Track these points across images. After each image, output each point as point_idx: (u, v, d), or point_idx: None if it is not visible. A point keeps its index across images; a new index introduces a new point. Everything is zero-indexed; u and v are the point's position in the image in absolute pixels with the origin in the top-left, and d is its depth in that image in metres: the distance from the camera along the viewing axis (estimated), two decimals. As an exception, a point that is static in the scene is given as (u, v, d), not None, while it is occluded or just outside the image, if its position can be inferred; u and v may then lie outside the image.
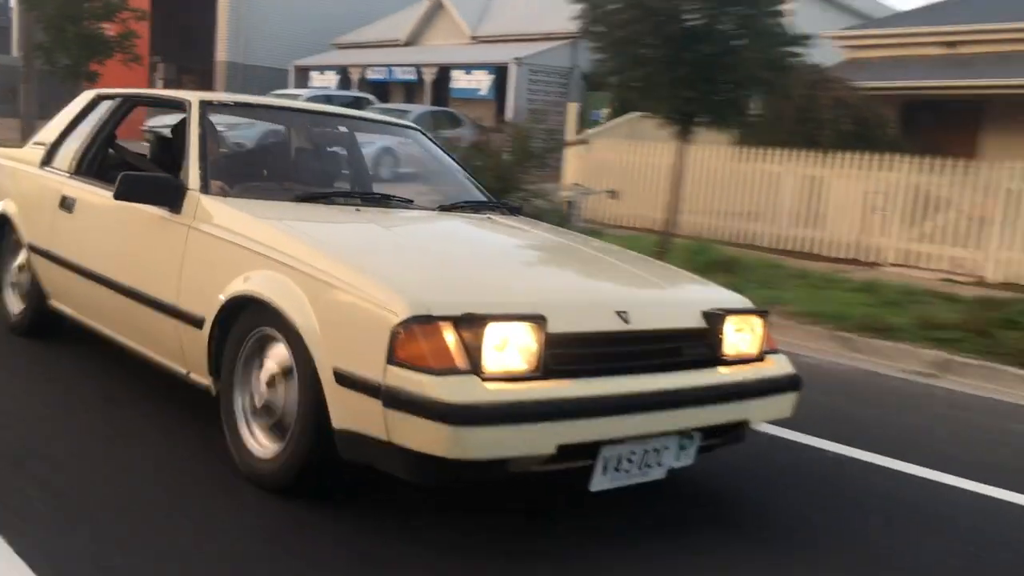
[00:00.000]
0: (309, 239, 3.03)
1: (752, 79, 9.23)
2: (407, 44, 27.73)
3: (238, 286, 3.00)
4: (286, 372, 2.88)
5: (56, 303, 4.34)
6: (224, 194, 3.45)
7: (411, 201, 3.82)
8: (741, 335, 3.13)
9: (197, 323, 3.17)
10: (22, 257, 4.55)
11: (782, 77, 9.83)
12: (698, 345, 3.02)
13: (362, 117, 4.53)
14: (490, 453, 2.46)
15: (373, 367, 2.53)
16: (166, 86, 24.30)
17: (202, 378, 3.26)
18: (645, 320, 2.90)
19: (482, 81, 24.26)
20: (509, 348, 2.55)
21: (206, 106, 3.77)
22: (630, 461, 2.78)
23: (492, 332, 2.51)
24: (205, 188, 3.42)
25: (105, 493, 2.88)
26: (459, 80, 24.74)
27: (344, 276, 2.70)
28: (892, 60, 16.89)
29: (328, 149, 4.33)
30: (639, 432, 2.73)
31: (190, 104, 3.76)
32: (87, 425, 3.47)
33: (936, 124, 15.89)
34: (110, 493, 2.88)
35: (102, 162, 4.31)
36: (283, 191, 3.73)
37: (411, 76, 25.96)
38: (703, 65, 8.88)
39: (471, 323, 2.51)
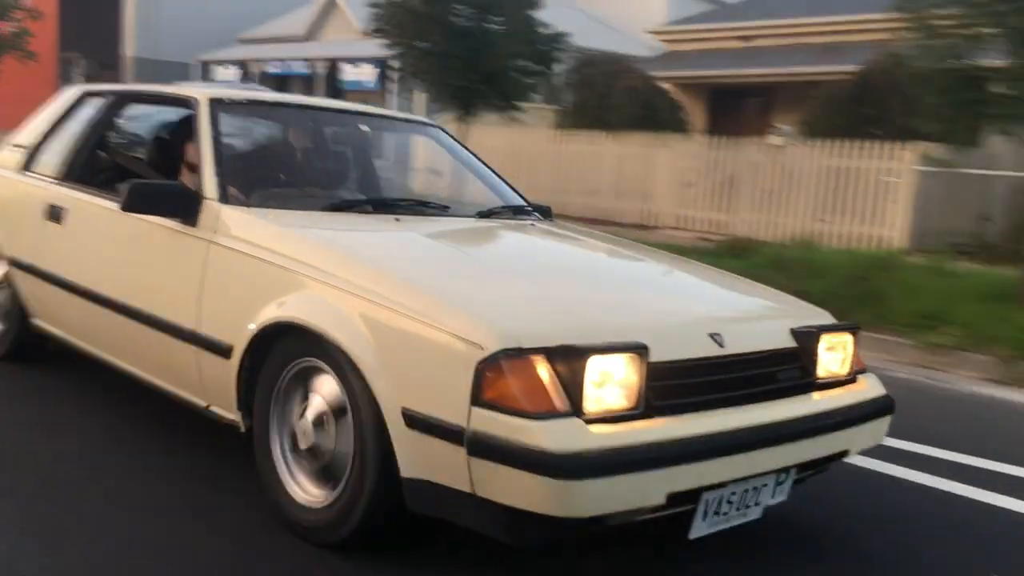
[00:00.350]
0: (360, 256, 2.66)
1: (510, 71, 11.52)
2: (305, 39, 28.62)
3: (275, 311, 2.62)
4: (337, 410, 2.52)
5: (41, 322, 3.91)
6: (242, 203, 3.07)
7: (447, 208, 3.46)
8: (833, 354, 2.83)
9: (223, 352, 2.79)
10: (1, 272, 4.10)
11: (546, 69, 12.21)
12: (792, 368, 2.71)
13: (382, 115, 4.13)
14: (600, 508, 2.12)
15: (454, 409, 2.18)
16: (87, 81, 24.52)
17: (227, 412, 2.88)
18: (739, 342, 2.58)
19: (368, 73, 25.33)
20: (609, 383, 2.21)
21: (216, 105, 3.36)
22: (730, 503, 2.46)
23: (593, 366, 2.17)
24: (224, 197, 3.04)
25: (103, 533, 2.54)
26: (348, 73, 25.75)
27: (412, 302, 2.34)
28: (701, 53, 19.01)
29: (344, 149, 3.94)
30: (748, 472, 2.41)
31: (198, 103, 3.36)
32: (86, 455, 3.08)
33: (738, 108, 18.16)
34: (109, 533, 2.54)
35: (93, 167, 3.89)
36: (306, 198, 3.35)
37: (306, 70, 26.87)
38: (469, 59, 11.11)
39: (569, 356, 2.17)
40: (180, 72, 27.25)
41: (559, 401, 2.13)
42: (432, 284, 2.46)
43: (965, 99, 6.95)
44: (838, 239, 11.39)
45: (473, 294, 2.45)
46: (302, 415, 2.62)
